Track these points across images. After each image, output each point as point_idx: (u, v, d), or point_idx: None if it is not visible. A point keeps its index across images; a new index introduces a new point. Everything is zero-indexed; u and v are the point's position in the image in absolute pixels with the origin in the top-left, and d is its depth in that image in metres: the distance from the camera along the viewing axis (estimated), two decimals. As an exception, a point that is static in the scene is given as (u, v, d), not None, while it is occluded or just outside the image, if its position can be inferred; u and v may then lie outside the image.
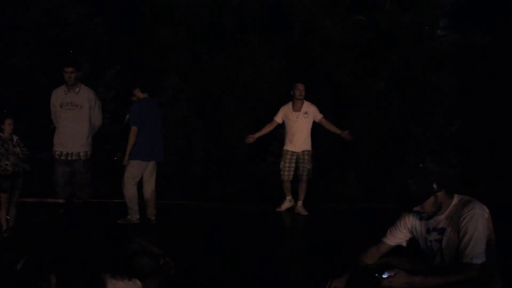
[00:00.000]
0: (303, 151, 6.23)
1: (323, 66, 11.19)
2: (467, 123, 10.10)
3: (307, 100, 6.32)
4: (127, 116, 5.56)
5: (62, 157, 5.23)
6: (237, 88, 11.50)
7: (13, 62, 10.22)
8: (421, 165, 2.35)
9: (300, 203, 6.29)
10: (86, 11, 11.03)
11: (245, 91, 11.46)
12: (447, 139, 10.32)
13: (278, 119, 6.37)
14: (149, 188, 5.59)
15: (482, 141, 9.84)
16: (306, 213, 6.20)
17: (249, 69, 11.50)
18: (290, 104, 6.30)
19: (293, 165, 6.27)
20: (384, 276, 2.23)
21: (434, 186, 2.31)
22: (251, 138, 6.41)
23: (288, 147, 6.28)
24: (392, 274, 2.23)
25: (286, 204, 6.36)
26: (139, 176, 5.51)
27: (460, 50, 11.10)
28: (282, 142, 6.60)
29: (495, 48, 10.63)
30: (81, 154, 5.27)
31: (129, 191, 5.43)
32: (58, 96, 5.28)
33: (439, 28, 12.09)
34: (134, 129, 5.33)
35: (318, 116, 6.28)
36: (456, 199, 2.39)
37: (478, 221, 2.26)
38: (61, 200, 5.13)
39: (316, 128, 6.47)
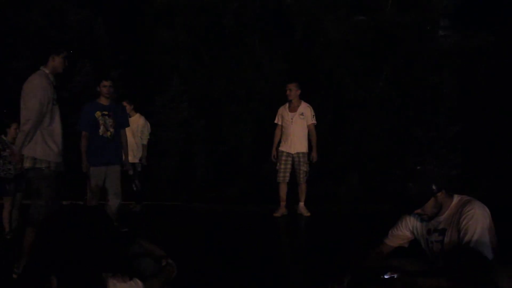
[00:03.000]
0: (297, 153, 6.12)
1: (324, 67, 11.18)
2: (469, 123, 10.08)
3: (307, 101, 6.26)
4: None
5: (62, 169, 3.91)
6: (239, 89, 11.50)
7: (14, 65, 10.25)
8: (419, 167, 2.35)
9: (301, 204, 6.25)
10: (87, 13, 11.06)
11: (246, 92, 11.46)
12: (448, 140, 10.29)
13: (279, 121, 6.29)
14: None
15: (483, 141, 9.83)
16: (308, 214, 6.14)
17: (250, 70, 11.49)
18: (286, 105, 6.23)
19: (289, 166, 6.15)
20: (386, 276, 2.23)
21: (433, 187, 2.32)
22: (274, 157, 6.29)
23: (283, 147, 6.18)
24: (394, 275, 2.23)
25: (282, 210, 6.22)
26: None
27: (461, 50, 11.08)
28: None
29: (496, 49, 10.62)
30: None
31: None
32: (50, 89, 3.77)
33: (440, 28, 12.07)
34: None
35: (309, 121, 6.15)
36: (456, 199, 2.40)
37: (478, 220, 2.26)
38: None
39: (318, 130, 6.41)
